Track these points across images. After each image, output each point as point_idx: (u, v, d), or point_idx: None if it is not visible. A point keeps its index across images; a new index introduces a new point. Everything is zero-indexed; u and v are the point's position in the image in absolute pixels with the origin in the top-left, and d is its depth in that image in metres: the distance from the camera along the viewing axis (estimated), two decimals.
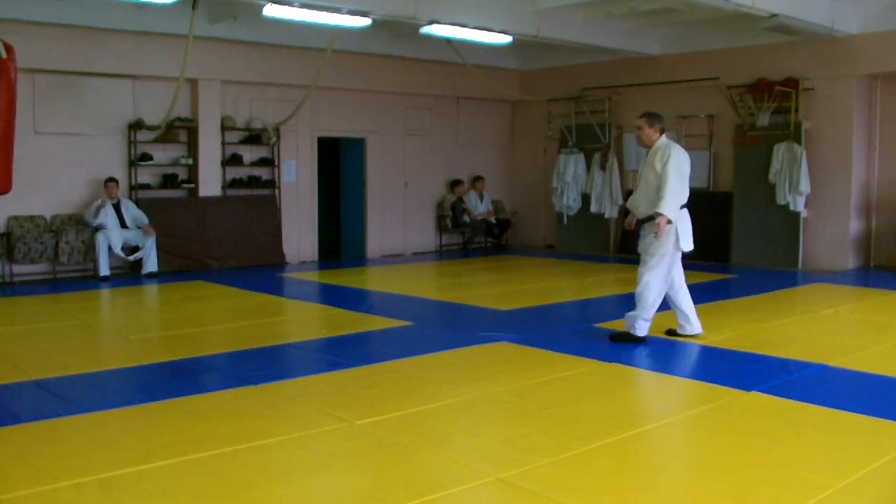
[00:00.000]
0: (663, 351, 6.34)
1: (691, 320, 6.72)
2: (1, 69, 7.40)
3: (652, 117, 6.54)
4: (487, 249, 14.58)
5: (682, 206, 6.44)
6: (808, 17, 9.97)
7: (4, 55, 7.45)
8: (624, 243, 13.57)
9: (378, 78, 13.07)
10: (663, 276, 6.46)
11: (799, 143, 11.32)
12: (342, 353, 6.25)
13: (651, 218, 6.39)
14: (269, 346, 6.52)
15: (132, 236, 10.63)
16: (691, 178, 12.76)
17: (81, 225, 10.52)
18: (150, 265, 10.65)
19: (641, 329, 6.51)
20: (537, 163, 14.95)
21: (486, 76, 12.99)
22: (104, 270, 10.36)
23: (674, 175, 6.26)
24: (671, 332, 6.79)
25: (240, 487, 3.59)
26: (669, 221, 6.28)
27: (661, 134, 6.52)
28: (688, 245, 6.51)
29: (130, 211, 10.69)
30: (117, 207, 10.58)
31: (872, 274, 11.02)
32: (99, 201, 10.35)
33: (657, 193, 6.31)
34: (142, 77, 11.02)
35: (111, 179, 10.55)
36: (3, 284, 9.95)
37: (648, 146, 6.54)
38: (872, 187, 11.60)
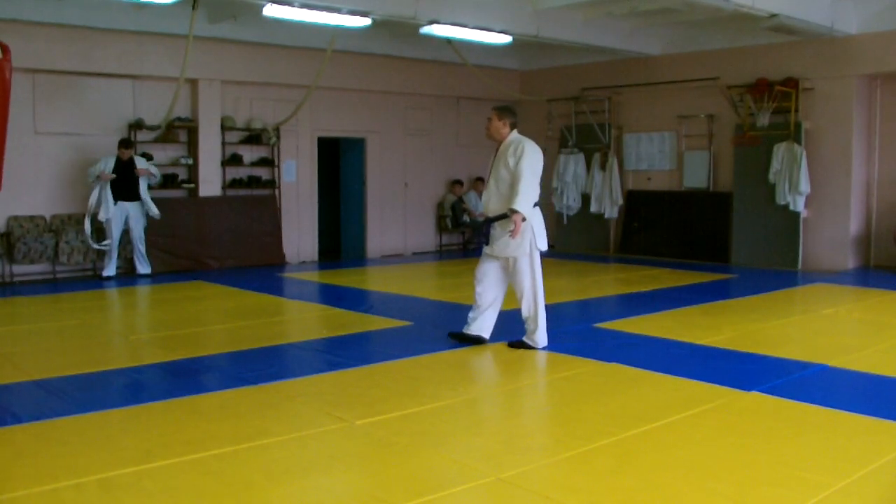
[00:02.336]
0: (663, 351, 6.34)
1: (485, 326, 6.44)
2: None
3: (503, 111, 6.23)
4: None
5: (535, 204, 6.11)
6: (808, 17, 9.97)
7: (0, 55, 7.52)
8: (624, 243, 13.58)
9: (378, 78, 13.07)
10: (539, 275, 6.21)
11: (799, 143, 11.32)
12: (342, 353, 6.25)
13: (503, 216, 6.11)
14: (269, 346, 6.52)
15: (132, 211, 10.40)
16: (692, 179, 12.99)
17: (81, 225, 10.52)
18: (143, 267, 10.64)
19: (543, 338, 6.32)
20: None
21: (486, 76, 12.99)
22: (110, 271, 10.36)
23: (528, 170, 5.95)
24: (456, 335, 6.52)
25: (240, 487, 3.59)
26: (524, 219, 5.96)
27: (511, 129, 6.21)
28: (543, 244, 6.20)
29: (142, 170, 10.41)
30: (128, 171, 10.27)
31: (872, 274, 11.02)
32: (102, 172, 10.14)
33: (511, 190, 5.99)
34: (142, 77, 11.02)
35: (124, 143, 10.29)
36: (3, 284, 9.95)
37: (498, 141, 6.24)
38: (872, 187, 11.60)
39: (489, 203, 6.24)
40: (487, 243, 6.31)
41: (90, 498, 3.46)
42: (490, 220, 6.25)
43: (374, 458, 4.03)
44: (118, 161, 10.26)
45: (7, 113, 7.36)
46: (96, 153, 10.67)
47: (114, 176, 10.18)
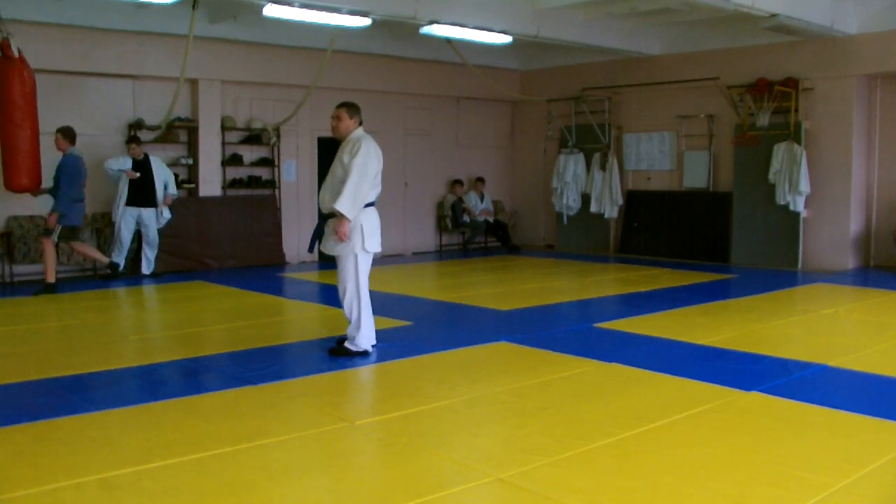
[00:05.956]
0: (663, 351, 6.34)
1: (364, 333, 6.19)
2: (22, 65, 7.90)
3: (352, 108, 6.15)
4: (488, 249, 14.57)
5: (369, 205, 6.09)
6: (808, 17, 9.97)
7: (16, 55, 7.92)
8: (624, 243, 13.58)
9: (378, 78, 13.07)
10: (365, 277, 6.13)
11: (799, 143, 11.32)
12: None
13: (333, 214, 5.97)
14: (269, 346, 6.52)
15: (146, 218, 10.33)
16: (692, 179, 12.98)
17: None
18: (147, 267, 10.61)
19: (365, 341, 6.14)
20: (537, 163, 14.95)
21: (486, 76, 12.99)
22: (118, 259, 10.25)
23: (358, 170, 5.84)
24: (340, 343, 6.27)
25: (240, 487, 3.59)
26: (349, 220, 5.88)
27: (358, 126, 6.16)
28: (374, 246, 6.15)
29: (160, 174, 10.39)
30: (143, 169, 10.20)
31: (872, 274, 11.02)
32: (128, 170, 10.15)
33: (341, 187, 5.88)
34: (142, 77, 11.02)
35: (134, 139, 10.26)
36: (3, 284, 9.95)
37: (344, 137, 6.14)
38: (872, 187, 11.61)
39: (324, 199, 6.12)
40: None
41: (90, 498, 3.46)
42: (325, 218, 6.15)
43: (374, 458, 4.03)
44: (134, 161, 10.24)
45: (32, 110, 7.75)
46: (96, 153, 10.66)
47: (137, 175, 10.16)
